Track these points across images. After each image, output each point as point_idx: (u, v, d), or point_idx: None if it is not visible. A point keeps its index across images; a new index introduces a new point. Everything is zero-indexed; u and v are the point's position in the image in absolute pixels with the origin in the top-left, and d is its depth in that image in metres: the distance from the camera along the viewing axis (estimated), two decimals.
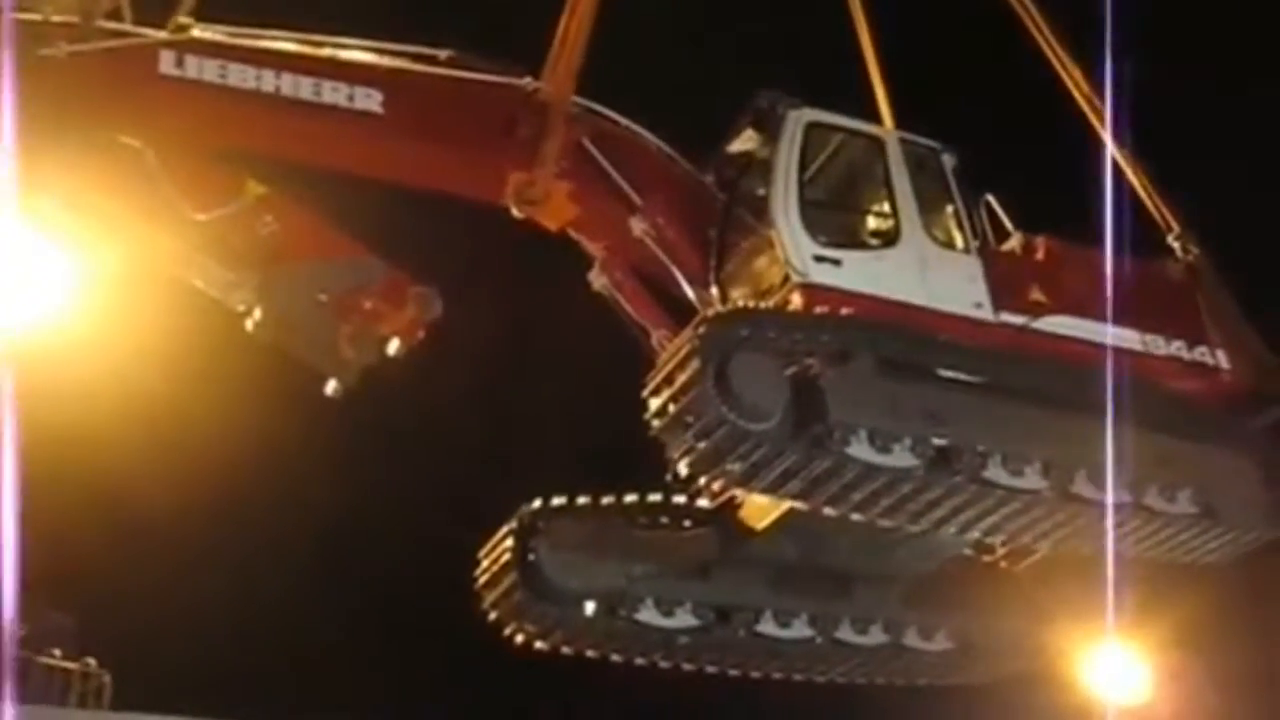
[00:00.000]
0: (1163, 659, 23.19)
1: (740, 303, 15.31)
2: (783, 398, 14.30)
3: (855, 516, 15.10)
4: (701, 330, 14.29)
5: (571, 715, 30.58)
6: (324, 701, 27.51)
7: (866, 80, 18.80)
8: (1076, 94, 17.96)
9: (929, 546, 17.01)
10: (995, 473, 15.23)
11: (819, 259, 15.21)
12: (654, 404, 14.32)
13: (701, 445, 14.17)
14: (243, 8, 14.92)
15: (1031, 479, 15.38)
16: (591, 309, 16.83)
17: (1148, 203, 17.67)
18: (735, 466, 14.35)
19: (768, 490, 14.78)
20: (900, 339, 15.13)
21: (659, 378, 14.33)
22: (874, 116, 18.18)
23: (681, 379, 14.08)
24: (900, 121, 18.18)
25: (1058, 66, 17.99)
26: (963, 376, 15.42)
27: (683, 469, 14.63)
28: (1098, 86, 17.95)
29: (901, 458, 14.77)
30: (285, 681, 29.62)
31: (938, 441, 14.99)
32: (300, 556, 30.36)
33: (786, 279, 15.23)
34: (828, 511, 15.03)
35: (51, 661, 27.98)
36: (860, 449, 14.57)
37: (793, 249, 15.18)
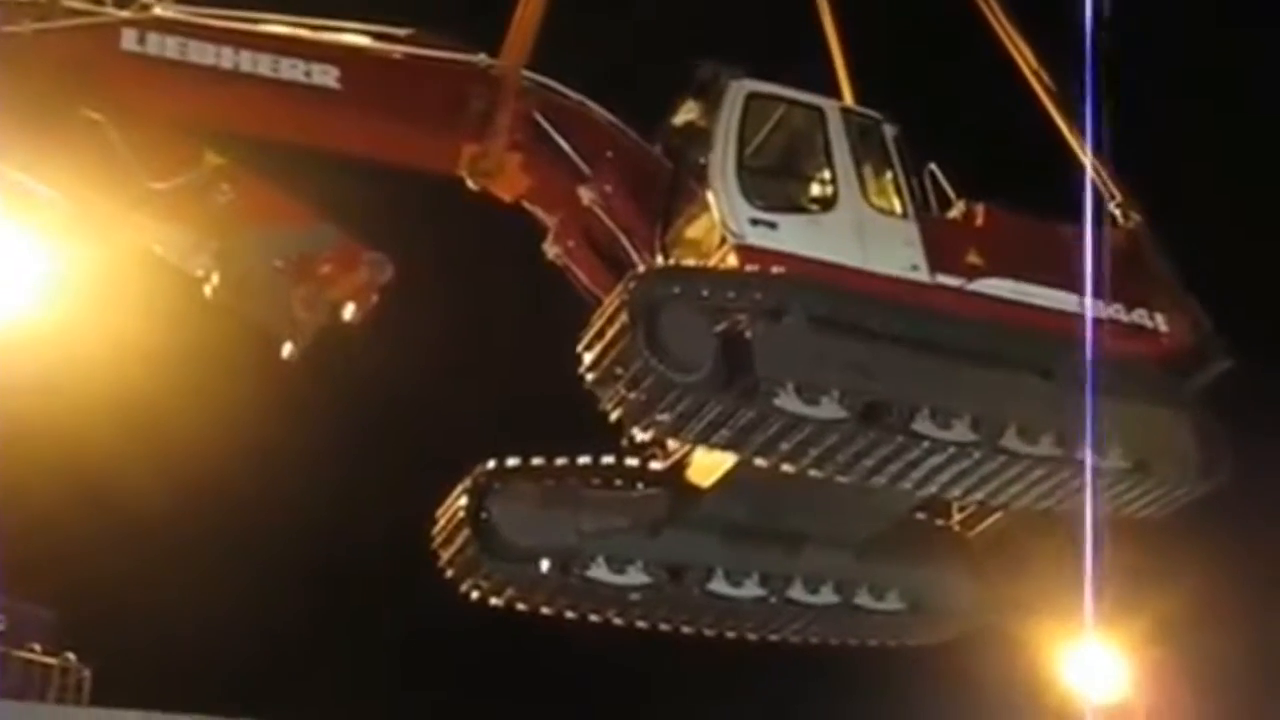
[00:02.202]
0: (1140, 656, 24.75)
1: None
2: (711, 351, 15.71)
3: (786, 467, 16.42)
4: (631, 286, 15.76)
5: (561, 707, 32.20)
6: (304, 696, 28.80)
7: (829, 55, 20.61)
8: (1023, 64, 19.50)
9: (879, 506, 18.25)
10: (924, 425, 16.57)
11: (755, 222, 16.59)
12: (587, 358, 15.74)
13: (632, 396, 15.56)
14: None
15: (960, 432, 16.72)
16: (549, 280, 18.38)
17: (1091, 171, 19.08)
18: (664, 417, 15.74)
19: (698, 440, 16.20)
20: (831, 296, 16.45)
21: (591, 333, 15.76)
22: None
23: (611, 333, 15.51)
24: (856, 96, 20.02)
25: (1003, 36, 19.51)
26: (894, 333, 16.70)
27: (615, 419, 16.00)
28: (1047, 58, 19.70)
29: (829, 409, 16.13)
30: (265, 676, 30.85)
31: (867, 395, 16.35)
32: (281, 550, 31.51)
33: (724, 241, 16.60)
34: (759, 462, 16.38)
35: (30, 656, 29.02)
36: (788, 400, 15.92)
37: (729, 211, 16.54)
